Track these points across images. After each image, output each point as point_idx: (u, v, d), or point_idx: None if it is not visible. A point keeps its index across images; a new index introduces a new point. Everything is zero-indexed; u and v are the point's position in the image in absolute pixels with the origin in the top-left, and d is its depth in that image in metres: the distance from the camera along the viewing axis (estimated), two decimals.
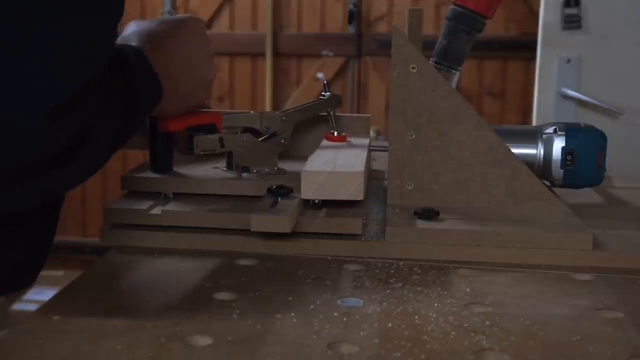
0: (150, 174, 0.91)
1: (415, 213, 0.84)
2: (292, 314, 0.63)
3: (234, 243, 0.80)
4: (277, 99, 3.43)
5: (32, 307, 0.67)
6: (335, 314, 0.63)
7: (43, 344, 0.57)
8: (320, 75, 3.40)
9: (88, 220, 3.57)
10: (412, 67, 0.88)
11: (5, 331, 0.59)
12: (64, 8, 0.60)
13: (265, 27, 3.39)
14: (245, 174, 0.92)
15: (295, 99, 3.32)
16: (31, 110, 0.59)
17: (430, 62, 0.99)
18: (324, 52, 3.40)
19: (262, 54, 3.40)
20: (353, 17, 3.33)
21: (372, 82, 3.41)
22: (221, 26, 3.44)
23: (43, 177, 0.64)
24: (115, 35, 0.68)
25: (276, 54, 3.41)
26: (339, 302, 0.66)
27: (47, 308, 0.63)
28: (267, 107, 3.35)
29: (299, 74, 3.45)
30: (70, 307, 0.64)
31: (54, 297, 0.66)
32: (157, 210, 0.84)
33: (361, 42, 3.37)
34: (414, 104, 0.89)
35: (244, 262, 0.77)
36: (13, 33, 0.57)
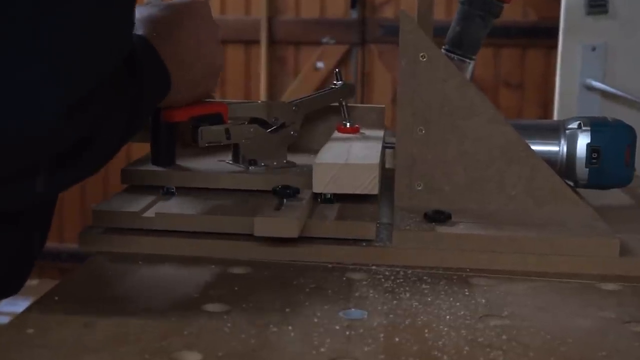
0: (152, 167, 0.92)
1: (425, 216, 0.84)
2: (290, 327, 0.63)
3: (225, 249, 0.80)
4: (273, 91, 3.43)
5: (4, 320, 0.67)
6: (337, 327, 0.64)
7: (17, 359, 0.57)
8: (320, 64, 3.41)
9: (65, 224, 3.57)
10: (421, 56, 0.89)
11: None
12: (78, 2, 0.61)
13: (260, 11, 3.39)
14: (253, 168, 0.93)
15: (292, 91, 3.33)
16: (45, 110, 0.60)
17: (442, 50, 1.00)
18: (325, 40, 3.40)
19: (257, 41, 3.40)
20: (356, 0, 3.34)
21: (377, 72, 3.41)
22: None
23: (49, 175, 0.65)
24: (133, 24, 0.70)
25: (272, 41, 3.42)
26: (340, 314, 0.66)
27: (20, 321, 0.63)
28: (263, 99, 3.35)
29: (297, 64, 3.46)
30: (46, 319, 0.64)
31: (28, 308, 0.66)
32: (151, 213, 0.82)
33: (365, 28, 3.37)
34: (423, 96, 0.89)
35: (236, 270, 0.77)
36: (24, 31, 0.58)
